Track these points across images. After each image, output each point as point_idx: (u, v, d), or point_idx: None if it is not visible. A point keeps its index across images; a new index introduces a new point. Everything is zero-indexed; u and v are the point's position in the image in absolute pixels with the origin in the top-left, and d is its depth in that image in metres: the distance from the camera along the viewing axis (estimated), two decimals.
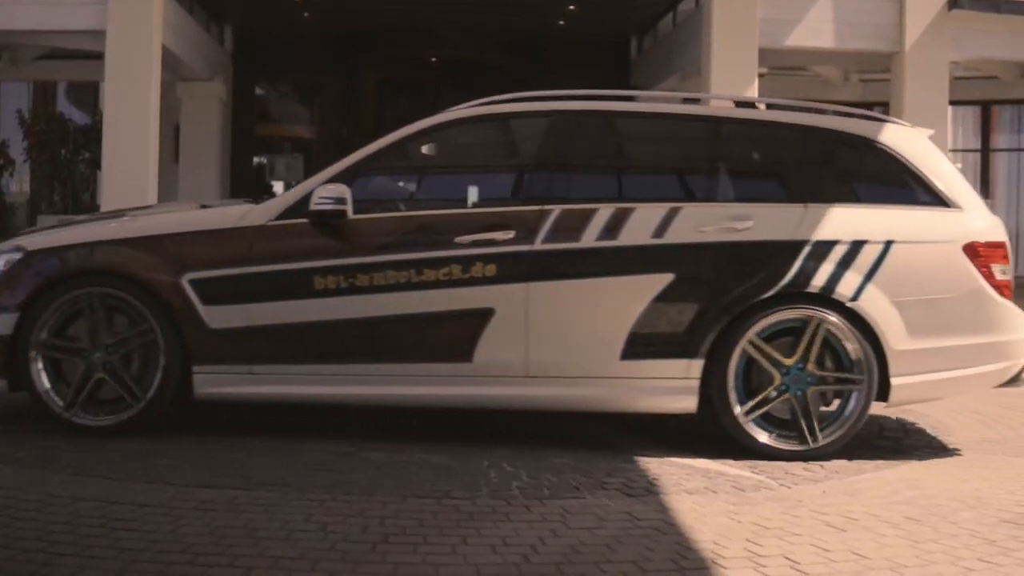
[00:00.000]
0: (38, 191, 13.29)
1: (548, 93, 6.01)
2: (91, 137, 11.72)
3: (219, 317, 5.48)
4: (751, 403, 5.46)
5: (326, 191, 5.49)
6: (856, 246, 5.50)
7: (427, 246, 5.51)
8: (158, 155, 11.01)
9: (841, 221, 5.57)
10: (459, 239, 5.48)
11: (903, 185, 5.75)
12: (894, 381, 5.50)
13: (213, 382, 5.51)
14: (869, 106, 14.52)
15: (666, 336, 5.46)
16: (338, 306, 5.47)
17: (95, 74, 11.83)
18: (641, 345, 5.46)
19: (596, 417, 6.19)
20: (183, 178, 14.33)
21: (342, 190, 5.49)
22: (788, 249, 5.49)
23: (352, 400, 5.62)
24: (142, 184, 10.49)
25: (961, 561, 3.78)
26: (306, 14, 14.29)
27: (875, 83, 13.89)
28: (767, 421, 5.51)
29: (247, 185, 15.07)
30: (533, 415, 6.00)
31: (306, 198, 5.53)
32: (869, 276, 5.48)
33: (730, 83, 10.97)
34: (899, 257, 5.52)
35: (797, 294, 5.48)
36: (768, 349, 5.47)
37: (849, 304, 5.45)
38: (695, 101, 6.00)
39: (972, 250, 5.61)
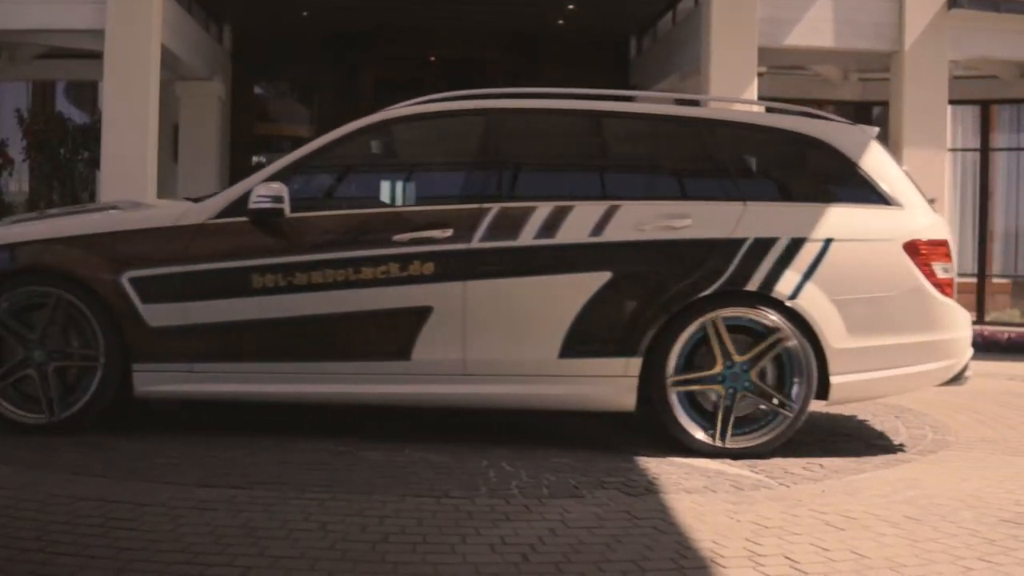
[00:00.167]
0: (37, 190, 13.28)
1: (486, 91, 6.01)
2: (90, 136, 11.71)
3: (158, 315, 5.48)
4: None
5: (264, 190, 5.49)
6: (795, 244, 5.49)
7: (365, 244, 5.52)
8: (157, 154, 11.01)
9: (780, 219, 5.57)
10: (397, 237, 5.49)
11: (844, 183, 5.75)
12: (834, 379, 5.49)
13: (153, 380, 5.50)
14: (869, 105, 14.58)
15: (604, 334, 5.47)
16: (276, 304, 5.48)
17: (94, 73, 11.83)
18: (579, 343, 5.46)
19: (595, 416, 6.18)
20: (182, 177, 14.32)
21: (279, 189, 5.49)
22: (726, 247, 5.48)
23: (292, 399, 5.62)
24: (141, 183, 10.48)
25: (961, 560, 3.77)
26: (305, 13, 14.29)
27: (875, 82, 13.89)
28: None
29: None
30: (533, 414, 5.99)
31: (245, 197, 5.55)
32: (808, 274, 5.47)
33: (730, 82, 10.98)
34: (839, 255, 5.52)
35: (736, 293, 5.48)
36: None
37: (788, 303, 5.45)
38: (634, 99, 5.97)
39: (913, 248, 5.59)
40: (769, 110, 6.07)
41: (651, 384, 5.46)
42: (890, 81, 11.67)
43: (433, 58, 16.07)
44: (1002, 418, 7.12)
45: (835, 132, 5.85)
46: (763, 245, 5.48)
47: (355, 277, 5.46)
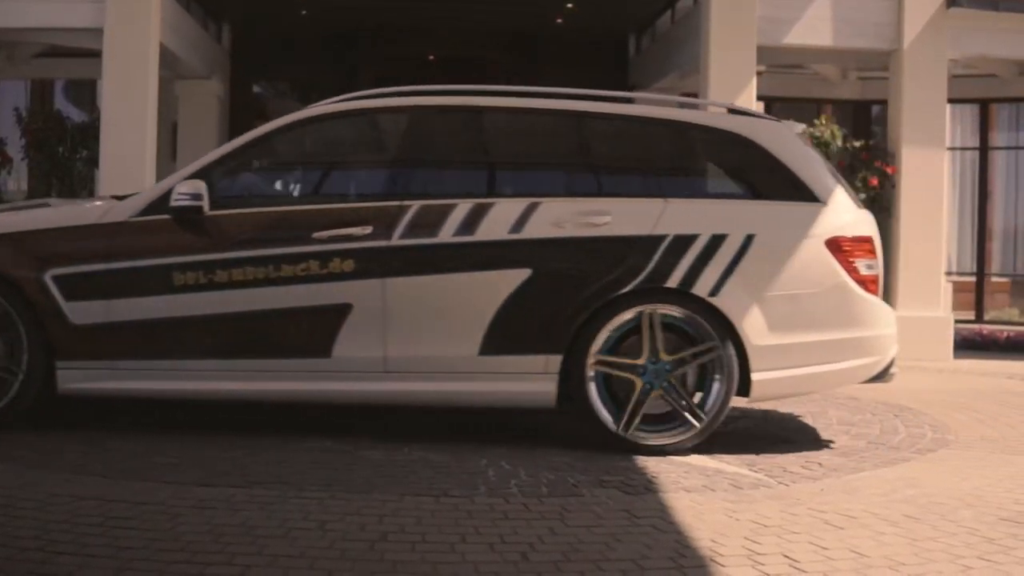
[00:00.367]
0: (36, 189, 13.25)
1: (409, 88, 6.00)
2: (89, 135, 11.67)
3: (81, 313, 5.49)
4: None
5: (184, 187, 5.51)
6: (716, 241, 5.49)
7: (285, 242, 5.53)
8: (156, 153, 10.99)
9: (702, 215, 5.58)
10: (317, 235, 5.50)
11: (767, 179, 5.74)
12: (755, 376, 5.49)
13: (76, 378, 5.52)
14: (868, 104, 14.58)
15: (525, 331, 5.47)
16: (197, 302, 5.49)
17: (93, 72, 11.81)
18: (500, 340, 5.46)
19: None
20: None
21: (199, 186, 5.51)
22: (647, 244, 5.49)
23: (216, 396, 5.63)
24: (139, 182, 10.44)
25: (960, 559, 3.77)
26: (304, 12, 14.28)
27: (874, 81, 13.88)
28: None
29: None
30: (532, 413, 5.99)
31: (167, 195, 5.56)
32: (729, 271, 5.47)
33: (729, 81, 10.96)
34: (760, 252, 5.52)
35: (656, 290, 5.48)
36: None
37: (708, 299, 5.45)
38: (562, 97, 5.96)
39: (836, 245, 5.58)
40: (688, 106, 6.03)
41: (571, 380, 5.46)
42: (889, 80, 11.66)
43: (432, 57, 16.06)
44: (1001, 417, 7.12)
45: (758, 128, 5.84)
46: (683, 242, 5.49)
47: (275, 274, 5.48)
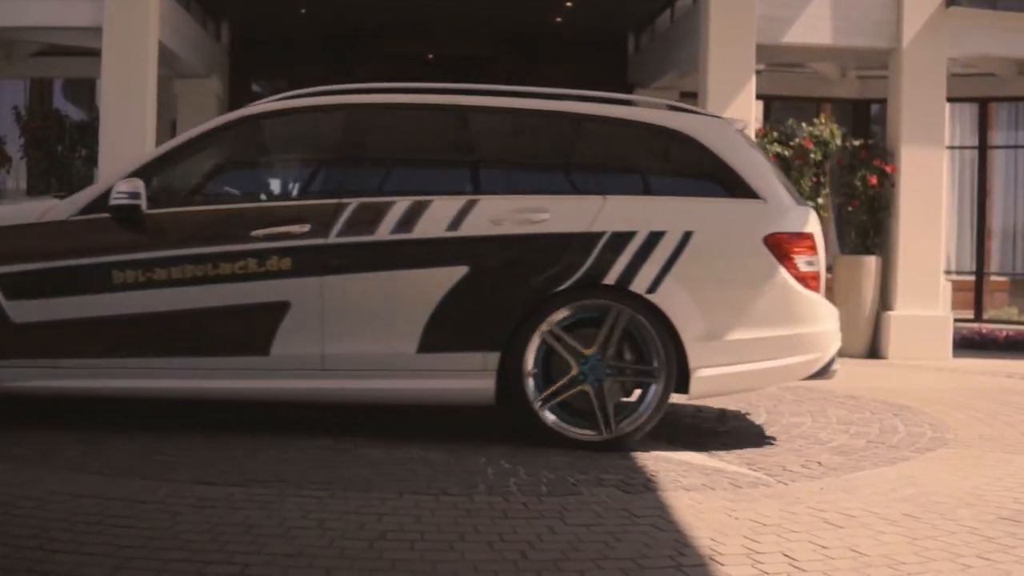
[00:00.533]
0: (35, 188, 13.25)
1: (347, 87, 6.01)
2: (88, 134, 11.67)
3: (23, 312, 5.50)
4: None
5: (123, 186, 5.52)
6: (654, 237, 5.49)
7: (223, 240, 5.54)
8: None
9: (640, 212, 5.58)
10: (255, 233, 5.51)
11: (707, 176, 5.74)
12: (693, 373, 5.49)
13: (18, 376, 5.52)
14: (867, 103, 14.57)
15: (462, 329, 5.48)
16: (137, 300, 5.50)
17: (92, 71, 11.80)
18: (437, 338, 5.46)
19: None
20: None
21: (137, 185, 5.51)
22: (584, 241, 5.49)
23: (156, 394, 5.63)
24: None
25: (960, 558, 3.77)
26: (303, 10, 14.27)
27: (873, 80, 13.88)
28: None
29: None
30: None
31: (107, 193, 5.56)
32: (667, 268, 5.47)
33: (728, 80, 10.97)
34: (698, 249, 5.51)
35: (594, 286, 5.47)
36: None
37: (646, 296, 5.45)
38: (500, 94, 5.96)
39: (774, 241, 5.57)
40: (629, 103, 6.00)
41: (510, 377, 5.46)
42: (888, 79, 11.66)
43: (431, 56, 16.05)
44: (1000, 416, 7.13)
45: (697, 125, 5.83)
46: (621, 239, 5.49)
47: (213, 273, 5.49)
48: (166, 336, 5.55)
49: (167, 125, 13.95)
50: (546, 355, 5.51)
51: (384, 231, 5.50)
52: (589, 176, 5.81)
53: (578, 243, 5.48)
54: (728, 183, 5.68)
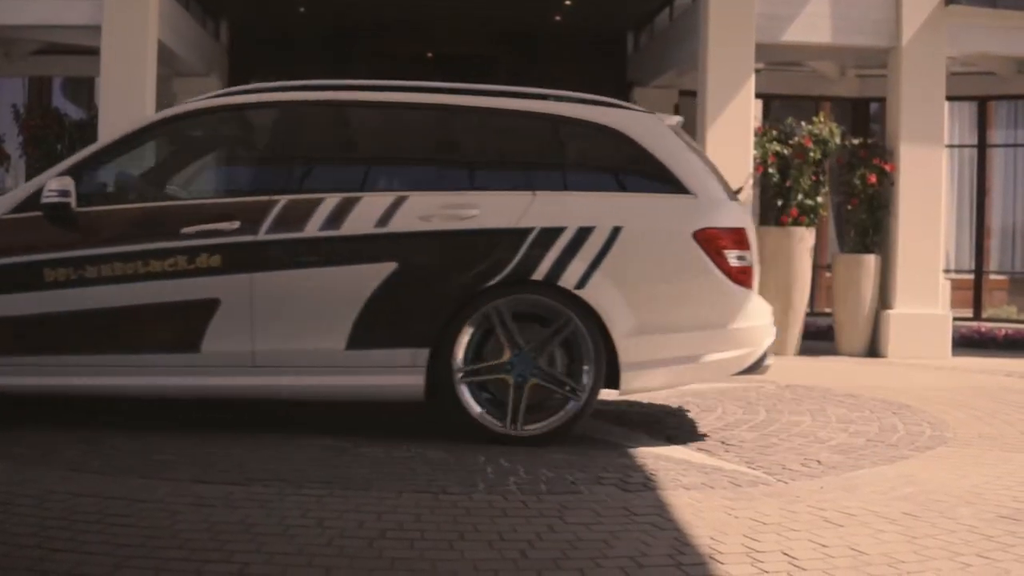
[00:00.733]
0: None
1: (281, 84, 6.02)
2: (87, 132, 11.67)
3: None
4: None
5: (54, 184, 5.52)
6: (583, 233, 5.49)
7: (153, 237, 5.54)
8: None
9: (569, 208, 5.58)
10: (185, 230, 5.51)
11: (637, 171, 5.75)
12: (624, 369, 5.49)
13: None
14: (866, 101, 14.57)
15: (391, 325, 5.48)
16: (69, 298, 5.50)
17: (91, 69, 11.80)
18: (366, 334, 5.47)
19: (593, 413, 6.17)
20: None
21: (67, 183, 5.51)
22: (513, 237, 5.49)
23: (88, 391, 5.62)
24: None
25: (959, 557, 3.77)
26: (302, 9, 14.26)
27: (872, 78, 13.87)
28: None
29: None
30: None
31: (39, 191, 5.56)
32: (595, 264, 5.47)
33: (727, 78, 10.97)
34: (628, 244, 5.52)
35: (523, 282, 5.48)
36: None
37: (575, 291, 5.45)
38: (430, 91, 5.97)
39: (705, 236, 5.57)
40: (559, 98, 6.00)
41: (439, 374, 5.46)
42: (888, 77, 11.65)
43: (430, 54, 16.05)
44: (999, 414, 7.13)
45: (627, 120, 5.83)
46: (550, 235, 5.49)
47: (144, 270, 5.49)
48: (97, 334, 5.54)
49: None
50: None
51: (313, 228, 5.50)
52: (519, 172, 5.80)
53: (507, 239, 5.49)
54: (658, 178, 5.69)
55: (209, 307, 5.48)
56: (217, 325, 5.48)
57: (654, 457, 5.32)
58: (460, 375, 5.46)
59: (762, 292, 11.30)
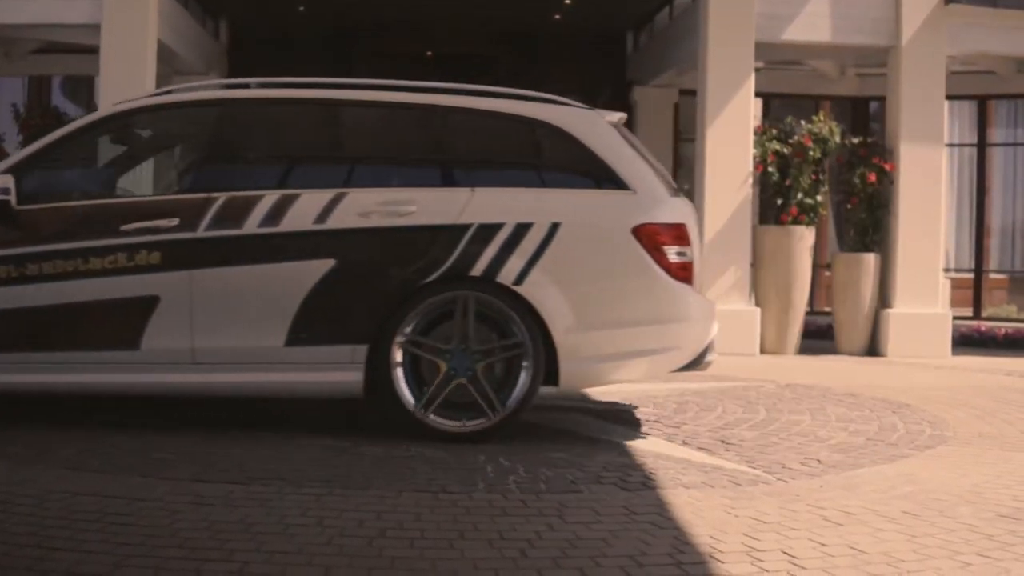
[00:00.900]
0: None
1: (217, 82, 6.04)
2: None
3: None
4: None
5: None
6: (521, 229, 5.50)
7: (93, 235, 5.54)
8: None
9: (508, 204, 5.58)
10: (124, 227, 5.51)
11: (576, 167, 5.75)
12: (563, 365, 5.49)
13: None
14: (866, 100, 14.56)
15: (329, 321, 5.49)
16: (8, 295, 5.50)
17: (90, 68, 11.80)
18: (305, 331, 5.47)
19: (593, 412, 6.18)
20: None
21: (7, 180, 5.52)
22: (451, 233, 5.49)
23: (28, 388, 5.61)
24: None
25: (959, 556, 3.77)
26: (301, 8, 14.26)
27: (872, 77, 13.87)
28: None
29: None
30: (532, 410, 5.98)
31: None
32: (534, 260, 5.47)
33: (727, 77, 10.97)
34: (566, 240, 5.52)
35: (461, 278, 5.48)
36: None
37: (513, 287, 5.45)
38: (370, 88, 5.98)
39: (643, 232, 5.56)
40: (498, 95, 6.00)
41: (378, 369, 5.45)
42: (887, 76, 11.65)
43: (429, 54, 16.05)
44: (999, 413, 7.12)
45: (567, 116, 5.82)
46: (488, 231, 5.49)
47: (84, 267, 5.49)
48: (38, 331, 5.55)
49: None
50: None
51: (252, 224, 5.51)
52: (459, 169, 5.80)
53: (445, 235, 5.49)
54: (597, 174, 5.69)
55: (149, 304, 5.49)
56: (157, 322, 5.49)
57: (654, 456, 5.31)
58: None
59: (762, 291, 11.40)
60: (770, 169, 11.24)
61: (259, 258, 5.50)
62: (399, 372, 5.46)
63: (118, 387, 5.59)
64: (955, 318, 11.84)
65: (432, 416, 5.45)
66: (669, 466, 5.10)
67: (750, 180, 11.07)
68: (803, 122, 11.44)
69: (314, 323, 5.47)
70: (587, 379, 5.73)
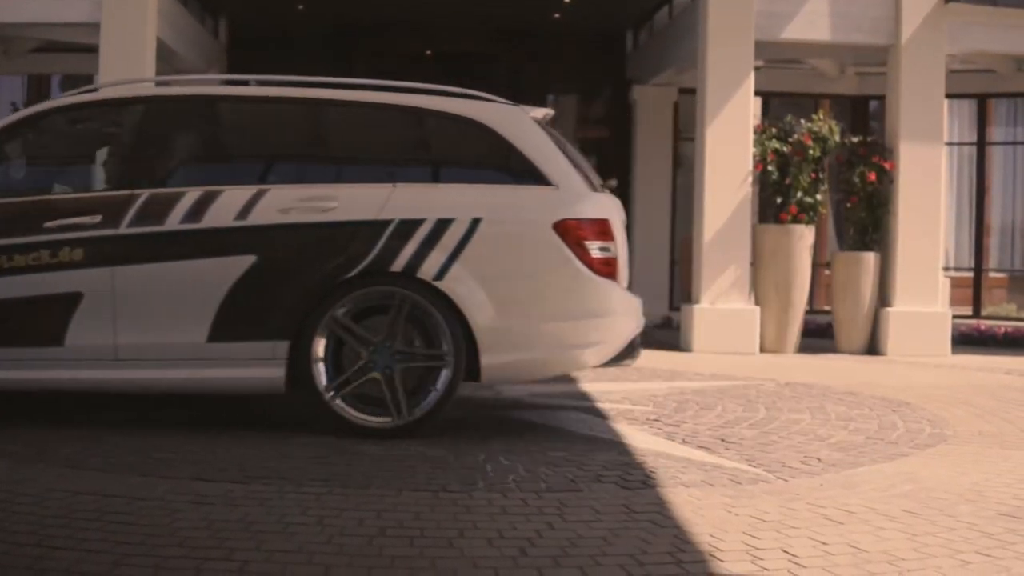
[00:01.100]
0: None
1: (146, 79, 6.04)
2: None
3: None
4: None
5: None
6: (442, 225, 5.51)
7: (16, 232, 5.55)
8: None
9: (428, 200, 5.61)
10: (47, 224, 5.52)
11: (498, 163, 5.78)
12: (484, 360, 5.50)
13: None
14: (865, 99, 14.56)
15: (250, 318, 5.50)
16: None
17: (90, 67, 11.79)
18: (226, 327, 5.48)
19: (592, 411, 6.17)
20: None
21: None
22: (372, 229, 5.50)
23: None
24: None
25: (959, 554, 3.77)
26: (301, 7, 14.26)
27: (871, 76, 13.86)
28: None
29: None
30: (533, 409, 5.99)
31: None
32: (455, 255, 5.48)
33: (726, 76, 10.97)
34: (487, 235, 5.53)
35: (382, 273, 5.49)
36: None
37: (434, 283, 5.46)
38: (292, 85, 6.03)
39: (564, 228, 5.57)
40: (420, 91, 6.00)
41: (300, 365, 5.46)
42: (887, 75, 11.65)
43: (429, 52, 16.04)
44: (999, 412, 7.13)
45: (489, 112, 5.84)
46: (409, 226, 5.50)
47: (7, 264, 5.51)
48: None
49: None
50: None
51: (174, 221, 5.52)
52: (381, 165, 5.83)
53: (366, 231, 5.50)
54: (519, 170, 5.71)
55: (72, 301, 5.50)
56: (80, 319, 5.50)
57: (654, 455, 5.31)
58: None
59: (762, 290, 11.39)
60: (770, 168, 11.24)
61: (181, 255, 5.52)
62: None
63: (42, 384, 5.61)
64: (955, 317, 11.84)
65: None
66: (669, 465, 5.10)
67: (750, 179, 11.06)
68: (803, 121, 11.44)
69: (236, 319, 5.48)
70: (509, 374, 5.77)
